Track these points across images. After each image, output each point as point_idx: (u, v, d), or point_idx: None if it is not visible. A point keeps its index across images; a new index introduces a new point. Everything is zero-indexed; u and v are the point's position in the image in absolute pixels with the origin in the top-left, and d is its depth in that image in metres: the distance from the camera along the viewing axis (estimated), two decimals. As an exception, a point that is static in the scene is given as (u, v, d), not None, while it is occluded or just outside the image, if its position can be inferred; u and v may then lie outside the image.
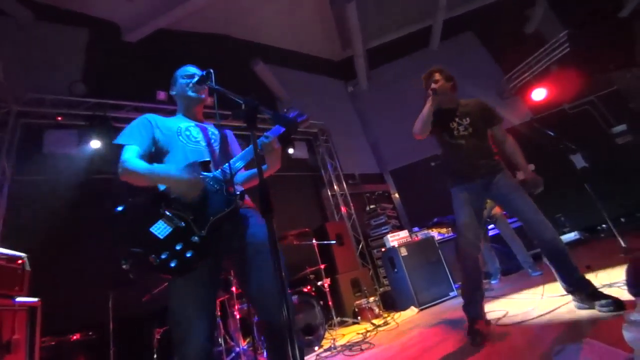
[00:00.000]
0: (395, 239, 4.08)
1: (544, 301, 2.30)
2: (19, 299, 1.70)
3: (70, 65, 4.75)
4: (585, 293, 1.83)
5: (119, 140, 1.38)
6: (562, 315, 1.92)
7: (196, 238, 1.22)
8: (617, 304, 1.64)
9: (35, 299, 1.78)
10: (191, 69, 1.66)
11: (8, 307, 1.59)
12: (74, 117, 4.27)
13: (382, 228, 5.46)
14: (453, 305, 3.41)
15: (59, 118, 4.15)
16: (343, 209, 5.91)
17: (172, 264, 1.17)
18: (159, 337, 3.26)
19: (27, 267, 1.82)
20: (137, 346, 3.47)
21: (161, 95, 4.83)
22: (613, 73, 4.85)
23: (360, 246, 5.59)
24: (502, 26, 6.39)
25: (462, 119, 2.20)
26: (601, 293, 1.78)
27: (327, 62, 7.90)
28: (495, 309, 2.53)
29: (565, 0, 5.72)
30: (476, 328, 1.91)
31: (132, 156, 1.34)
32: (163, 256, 1.18)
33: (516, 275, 4.08)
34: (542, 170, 5.28)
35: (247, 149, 1.43)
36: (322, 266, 3.83)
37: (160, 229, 1.23)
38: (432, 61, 8.10)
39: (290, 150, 5.77)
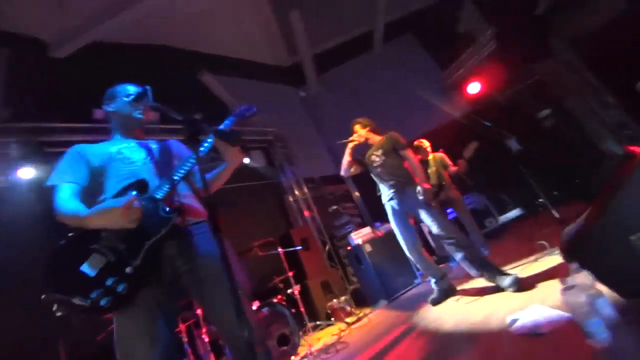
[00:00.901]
0: (359, 236, 4.18)
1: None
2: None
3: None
4: (492, 272, 2.25)
5: (51, 181, 1.28)
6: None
7: (129, 269, 1.14)
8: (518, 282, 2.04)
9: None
10: (131, 88, 1.56)
11: None
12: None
13: (346, 227, 5.57)
14: (418, 292, 3.58)
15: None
16: (306, 213, 5.92)
17: (103, 302, 1.09)
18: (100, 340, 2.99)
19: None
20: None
21: (99, 114, 4.47)
22: (535, 64, 5.44)
23: (327, 248, 5.64)
24: (437, 27, 6.89)
25: (377, 151, 2.91)
26: (503, 272, 2.22)
27: (276, 69, 7.89)
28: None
29: (487, 1, 6.31)
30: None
31: (65, 197, 1.23)
32: (93, 295, 1.09)
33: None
34: (485, 156, 5.74)
35: (185, 158, 1.37)
36: (291, 273, 3.79)
37: (91, 266, 1.13)
38: (377, 63, 8.42)
39: (246, 160, 5.66)
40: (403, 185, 2.73)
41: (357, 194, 6.84)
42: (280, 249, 3.89)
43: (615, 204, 1.29)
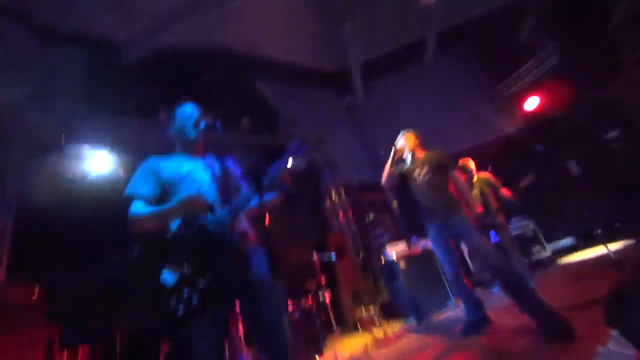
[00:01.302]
0: (394, 250, 4.18)
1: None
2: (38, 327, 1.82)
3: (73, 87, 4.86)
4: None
5: (128, 191, 1.47)
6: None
7: (202, 283, 1.27)
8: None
9: (53, 329, 1.90)
10: (189, 109, 1.75)
11: (28, 336, 1.70)
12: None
13: (381, 238, 5.55)
14: (450, 316, 3.50)
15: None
16: (342, 220, 6.01)
17: (180, 312, 1.22)
18: (166, 350, 3.34)
19: (42, 297, 1.94)
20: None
21: (162, 115, 4.95)
22: (605, 81, 4.97)
23: (361, 256, 5.68)
24: (495, 37, 6.54)
25: (422, 167, 2.75)
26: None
27: (323, 75, 8.04)
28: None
29: (554, 11, 5.87)
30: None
31: (140, 209, 1.42)
32: (172, 303, 1.23)
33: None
34: (538, 177, 5.38)
35: (246, 193, 1.48)
36: (323, 279, 3.93)
37: (167, 277, 1.28)
38: (427, 73, 8.24)
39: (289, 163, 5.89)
40: (448, 209, 2.58)
41: (395, 203, 6.77)
42: (315, 255, 4.03)
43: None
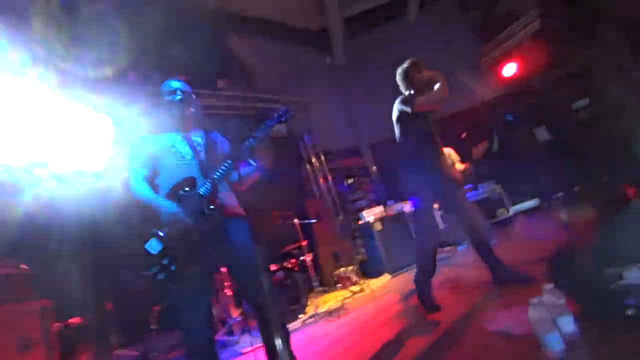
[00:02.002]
0: (370, 214, 4.42)
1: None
2: (30, 302, 1.89)
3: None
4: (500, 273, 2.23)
5: (128, 165, 1.62)
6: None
7: (180, 253, 1.43)
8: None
9: (45, 300, 1.97)
10: (174, 84, 1.76)
11: (23, 310, 1.77)
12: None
13: (360, 202, 5.80)
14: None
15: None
16: (322, 184, 6.16)
17: (160, 276, 1.41)
18: (155, 314, 3.54)
19: (30, 272, 1.98)
20: (134, 322, 3.75)
21: (132, 76, 4.67)
22: (578, 50, 5.08)
23: (340, 219, 5.95)
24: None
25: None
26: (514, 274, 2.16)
27: (304, 32, 7.64)
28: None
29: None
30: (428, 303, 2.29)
31: (139, 182, 1.57)
32: (153, 270, 1.41)
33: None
34: (508, 141, 5.63)
35: (224, 159, 1.60)
36: (304, 242, 4.15)
37: (153, 247, 1.43)
38: (410, 31, 7.99)
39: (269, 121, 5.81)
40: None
41: (374, 169, 6.96)
42: (296, 220, 4.21)
43: (605, 234, 1.43)
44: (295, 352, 1.57)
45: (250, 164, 1.68)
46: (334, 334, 2.61)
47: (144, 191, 1.55)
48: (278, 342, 1.38)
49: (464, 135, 4.55)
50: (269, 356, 1.54)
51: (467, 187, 5.10)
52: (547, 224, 4.15)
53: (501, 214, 4.87)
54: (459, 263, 3.53)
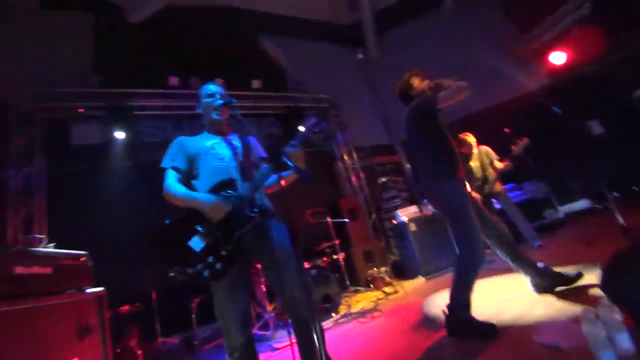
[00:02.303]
0: (405, 213, 4.31)
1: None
2: (88, 290, 2.07)
3: (81, 53, 4.79)
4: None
5: (163, 164, 1.66)
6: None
7: (224, 252, 1.47)
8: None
9: (101, 288, 2.16)
10: (212, 87, 1.82)
11: (82, 298, 1.95)
12: (93, 108, 4.46)
13: (393, 200, 5.68)
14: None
15: (81, 110, 4.36)
16: (355, 183, 6.11)
17: (206, 274, 1.45)
18: (196, 305, 3.73)
19: (90, 263, 2.17)
20: (178, 314, 3.99)
21: (173, 81, 4.92)
22: (635, 33, 4.55)
23: (372, 218, 5.87)
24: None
25: None
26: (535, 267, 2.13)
27: (334, 28, 7.57)
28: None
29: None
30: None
31: (172, 181, 1.60)
32: (198, 267, 1.46)
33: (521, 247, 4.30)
34: (556, 134, 5.18)
35: (264, 170, 1.59)
36: (337, 241, 4.15)
37: (196, 244, 1.48)
38: (446, 21, 7.62)
39: (301, 128, 5.84)
40: None
41: (408, 166, 6.78)
42: (329, 219, 4.21)
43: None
44: (329, 351, 1.56)
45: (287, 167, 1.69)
46: (367, 335, 2.59)
47: (180, 187, 1.58)
48: (314, 339, 1.36)
49: (506, 129, 4.29)
50: (303, 354, 1.55)
51: (509, 186, 4.80)
52: (601, 227, 3.79)
53: (549, 215, 4.51)
54: (501, 268, 3.33)
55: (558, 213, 4.50)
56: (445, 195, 2.10)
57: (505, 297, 2.45)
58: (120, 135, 4.37)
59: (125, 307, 3.54)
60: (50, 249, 2.35)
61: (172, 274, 1.53)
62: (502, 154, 4.06)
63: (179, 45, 5.43)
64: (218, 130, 1.80)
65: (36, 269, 1.83)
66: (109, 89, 4.57)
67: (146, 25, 5.35)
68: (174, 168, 1.64)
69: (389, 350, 2.13)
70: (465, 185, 2.13)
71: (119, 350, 3.01)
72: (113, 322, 3.35)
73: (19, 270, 1.72)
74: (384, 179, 5.97)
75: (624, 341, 1.17)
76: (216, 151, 1.70)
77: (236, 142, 1.80)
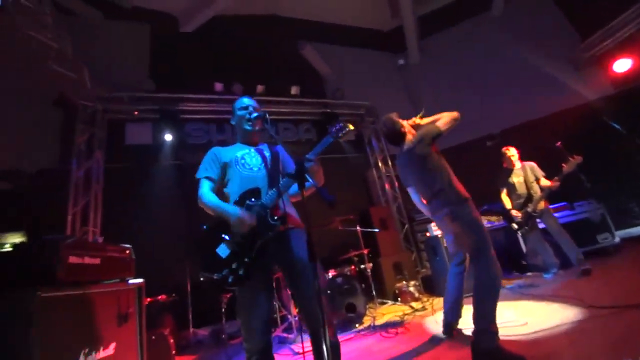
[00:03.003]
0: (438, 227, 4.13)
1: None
2: (130, 280, 2.27)
3: (138, 61, 5.26)
4: None
5: (198, 175, 1.78)
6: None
7: (247, 259, 1.56)
8: None
9: (141, 280, 2.35)
10: (246, 101, 1.93)
11: (124, 288, 2.14)
12: (147, 111, 4.87)
13: (427, 212, 5.47)
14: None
15: (136, 113, 4.78)
16: (388, 191, 6.00)
17: (230, 279, 1.55)
18: (226, 301, 3.90)
19: (133, 256, 2.38)
20: (209, 307, 4.20)
21: (218, 87, 5.20)
22: None
23: (405, 229, 5.71)
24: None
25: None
26: None
27: (375, 34, 7.53)
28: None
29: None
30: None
31: (206, 190, 1.72)
32: (224, 272, 1.55)
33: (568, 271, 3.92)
34: (617, 151, 4.69)
35: (287, 178, 1.65)
36: (365, 251, 4.10)
37: (223, 251, 1.59)
38: (494, 27, 7.28)
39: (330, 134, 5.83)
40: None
41: (445, 176, 6.51)
42: (358, 227, 4.18)
43: None
44: None
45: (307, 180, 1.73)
46: (390, 352, 2.53)
47: (211, 198, 1.69)
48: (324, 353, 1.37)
49: (558, 143, 3.99)
50: None
51: (560, 204, 4.41)
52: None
53: (603, 239, 4.07)
54: (542, 294, 3.07)
55: (614, 238, 4.05)
56: (467, 214, 2.20)
57: (541, 326, 2.26)
58: (168, 137, 4.71)
59: (162, 297, 3.81)
60: (100, 241, 2.60)
61: (202, 279, 1.64)
62: (552, 171, 3.77)
63: (224, 53, 5.75)
64: (250, 141, 1.90)
65: (87, 260, 2.04)
66: (161, 94, 4.95)
67: (196, 34, 5.75)
68: (208, 178, 1.75)
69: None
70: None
71: (153, 337, 3.22)
72: (150, 309, 3.66)
73: (73, 260, 1.93)
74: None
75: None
76: (245, 161, 1.79)
77: (266, 152, 1.88)
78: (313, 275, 1.60)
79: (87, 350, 1.84)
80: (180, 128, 4.95)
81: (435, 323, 3.05)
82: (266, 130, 1.87)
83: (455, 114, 2.42)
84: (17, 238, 3.65)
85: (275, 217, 1.60)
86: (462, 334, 2.48)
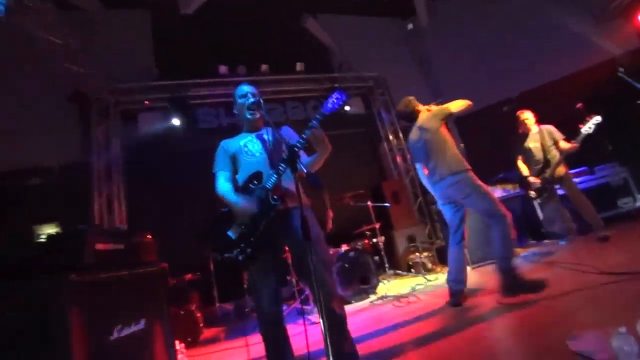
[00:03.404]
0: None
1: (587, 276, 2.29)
2: (153, 263, 2.45)
3: (142, 49, 5.27)
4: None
5: (213, 169, 1.91)
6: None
7: (253, 239, 1.67)
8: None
9: (164, 263, 2.54)
10: (245, 88, 1.96)
11: (149, 269, 2.32)
12: (157, 99, 4.96)
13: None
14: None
15: (147, 102, 4.89)
16: (401, 164, 5.94)
17: (240, 257, 1.67)
18: (247, 278, 4.13)
19: (154, 240, 2.56)
20: (232, 283, 4.46)
21: (222, 69, 5.19)
22: None
23: (419, 202, 5.70)
24: None
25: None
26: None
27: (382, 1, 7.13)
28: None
29: None
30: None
31: (221, 181, 1.85)
32: (235, 252, 1.68)
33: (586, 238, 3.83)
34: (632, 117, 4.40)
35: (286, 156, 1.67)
36: (377, 225, 4.16)
37: (233, 233, 1.72)
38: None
39: (347, 107, 5.76)
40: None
41: (461, 145, 6.33)
42: (369, 203, 4.22)
43: None
44: (356, 332, 1.65)
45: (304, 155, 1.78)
46: (399, 319, 2.64)
47: (224, 188, 1.81)
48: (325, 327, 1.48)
49: (579, 104, 3.78)
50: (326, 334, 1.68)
51: (581, 169, 4.24)
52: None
53: (625, 204, 3.92)
54: (557, 260, 3.05)
55: (636, 202, 3.88)
56: (471, 180, 2.50)
57: (552, 293, 2.27)
58: (176, 121, 4.81)
59: (188, 276, 4.08)
60: (123, 228, 2.78)
61: (216, 257, 1.77)
62: (573, 136, 3.58)
63: (227, 33, 5.66)
64: (253, 127, 1.96)
65: (112, 246, 2.22)
66: (168, 81, 5.00)
67: (197, 16, 5.64)
68: (222, 171, 1.88)
69: (417, 334, 2.17)
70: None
71: (182, 312, 3.51)
72: (177, 288, 3.96)
73: (99, 246, 2.10)
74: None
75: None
76: (248, 148, 1.87)
77: (266, 135, 1.91)
78: (310, 252, 1.70)
79: (119, 327, 2.05)
80: (191, 114, 5.03)
81: (445, 292, 3.13)
82: (263, 118, 1.91)
83: (468, 102, 2.59)
84: (51, 229, 3.98)
85: (275, 197, 1.67)
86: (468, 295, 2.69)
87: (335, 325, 1.62)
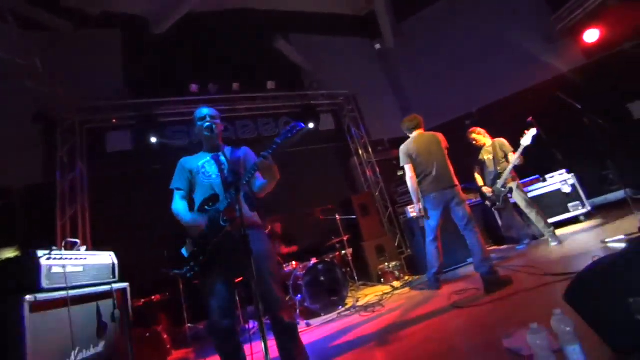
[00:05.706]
0: (414, 210, 4.28)
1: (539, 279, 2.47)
2: (114, 284, 2.44)
3: (112, 67, 5.27)
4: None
5: (170, 186, 1.97)
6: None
7: (201, 257, 1.75)
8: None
9: (126, 284, 2.52)
10: (204, 111, 2.01)
11: (108, 290, 2.31)
12: (125, 118, 4.94)
13: (409, 195, 5.61)
14: (467, 271, 3.67)
15: (114, 120, 4.86)
16: (370, 177, 6.12)
17: (189, 275, 1.76)
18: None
19: (115, 261, 2.54)
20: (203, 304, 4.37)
21: (193, 88, 5.26)
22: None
23: (388, 213, 5.87)
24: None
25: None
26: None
27: (351, 20, 7.50)
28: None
29: None
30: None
31: (177, 200, 1.92)
32: (185, 269, 1.77)
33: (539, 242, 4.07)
34: (581, 127, 4.80)
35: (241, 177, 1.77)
36: (345, 237, 4.26)
37: (185, 251, 1.81)
38: (468, 5, 7.25)
39: (311, 125, 5.77)
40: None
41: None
42: (337, 216, 4.33)
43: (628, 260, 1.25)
44: (320, 344, 1.71)
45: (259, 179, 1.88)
46: (366, 328, 2.71)
47: (178, 207, 1.89)
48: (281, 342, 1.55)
49: (530, 118, 4.08)
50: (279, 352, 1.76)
51: (532, 178, 4.56)
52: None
53: (574, 208, 4.23)
54: (510, 264, 3.24)
55: (585, 206, 4.20)
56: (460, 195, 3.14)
57: (497, 295, 2.43)
58: (149, 140, 4.79)
59: (156, 296, 4.00)
60: (82, 251, 2.74)
61: (170, 273, 1.85)
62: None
63: (198, 52, 5.76)
64: (212, 147, 2.00)
65: (69, 268, 2.20)
66: (137, 100, 5.01)
67: (168, 35, 5.73)
68: (177, 189, 1.94)
69: (376, 340, 2.26)
70: None
71: (147, 334, 3.43)
72: (144, 309, 3.87)
73: (55, 269, 2.09)
74: (400, 173, 5.90)
75: (575, 354, 1.19)
76: (205, 169, 1.92)
77: (224, 157, 1.96)
78: (268, 269, 1.80)
79: (77, 350, 2.03)
80: (160, 132, 5.01)
81: (411, 299, 3.25)
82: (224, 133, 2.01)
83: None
84: (10, 253, 3.83)
85: (225, 219, 1.73)
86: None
87: (285, 334, 1.69)
